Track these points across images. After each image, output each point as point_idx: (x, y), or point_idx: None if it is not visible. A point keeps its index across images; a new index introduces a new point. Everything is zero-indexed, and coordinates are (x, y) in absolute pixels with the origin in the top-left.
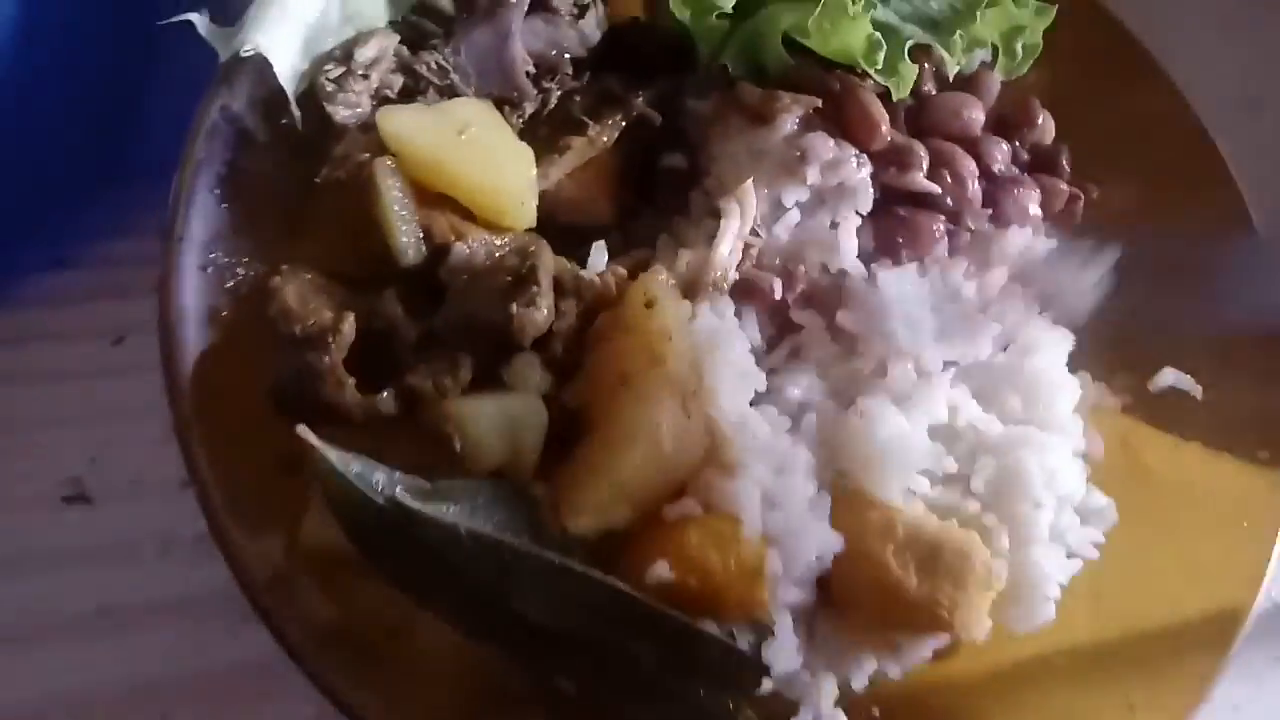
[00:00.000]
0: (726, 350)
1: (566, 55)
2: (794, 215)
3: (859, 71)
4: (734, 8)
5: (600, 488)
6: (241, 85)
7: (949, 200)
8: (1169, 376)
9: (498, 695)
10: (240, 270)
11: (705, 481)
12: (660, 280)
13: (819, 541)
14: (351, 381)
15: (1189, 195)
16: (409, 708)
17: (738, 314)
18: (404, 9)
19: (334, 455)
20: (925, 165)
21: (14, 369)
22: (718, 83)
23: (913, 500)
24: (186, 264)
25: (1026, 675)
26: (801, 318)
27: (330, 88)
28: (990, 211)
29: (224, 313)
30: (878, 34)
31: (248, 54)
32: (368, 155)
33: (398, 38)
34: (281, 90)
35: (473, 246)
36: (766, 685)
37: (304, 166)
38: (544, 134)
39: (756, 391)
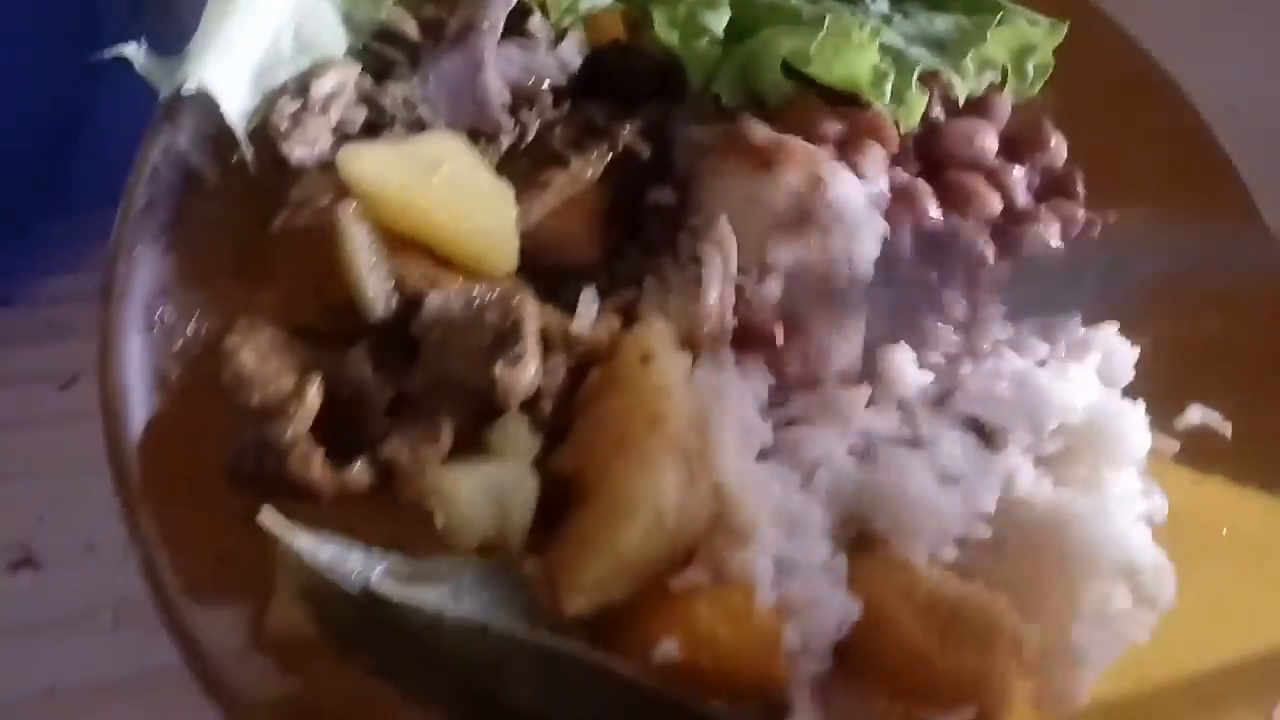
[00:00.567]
0: (730, 405)
1: (545, 83)
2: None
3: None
4: (727, 31)
5: (598, 564)
6: (187, 121)
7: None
8: (1195, 414)
9: None
10: (190, 328)
11: (713, 549)
12: (656, 331)
13: (838, 610)
14: (320, 452)
15: (1204, 215)
16: None
17: (738, 363)
18: (365, 36)
19: (302, 543)
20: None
21: None
22: (710, 113)
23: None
24: (128, 325)
25: None
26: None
27: (285, 125)
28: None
29: (173, 376)
30: (885, 61)
31: (190, 93)
32: (330, 198)
33: (359, 68)
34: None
35: (449, 297)
36: None
37: (259, 209)
38: (523, 169)
39: (763, 446)
